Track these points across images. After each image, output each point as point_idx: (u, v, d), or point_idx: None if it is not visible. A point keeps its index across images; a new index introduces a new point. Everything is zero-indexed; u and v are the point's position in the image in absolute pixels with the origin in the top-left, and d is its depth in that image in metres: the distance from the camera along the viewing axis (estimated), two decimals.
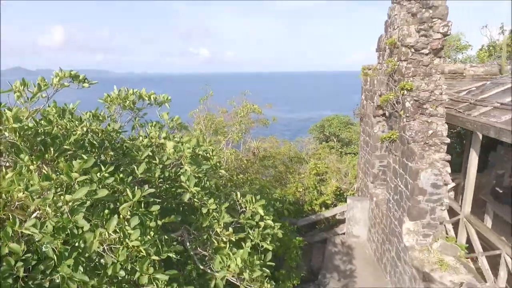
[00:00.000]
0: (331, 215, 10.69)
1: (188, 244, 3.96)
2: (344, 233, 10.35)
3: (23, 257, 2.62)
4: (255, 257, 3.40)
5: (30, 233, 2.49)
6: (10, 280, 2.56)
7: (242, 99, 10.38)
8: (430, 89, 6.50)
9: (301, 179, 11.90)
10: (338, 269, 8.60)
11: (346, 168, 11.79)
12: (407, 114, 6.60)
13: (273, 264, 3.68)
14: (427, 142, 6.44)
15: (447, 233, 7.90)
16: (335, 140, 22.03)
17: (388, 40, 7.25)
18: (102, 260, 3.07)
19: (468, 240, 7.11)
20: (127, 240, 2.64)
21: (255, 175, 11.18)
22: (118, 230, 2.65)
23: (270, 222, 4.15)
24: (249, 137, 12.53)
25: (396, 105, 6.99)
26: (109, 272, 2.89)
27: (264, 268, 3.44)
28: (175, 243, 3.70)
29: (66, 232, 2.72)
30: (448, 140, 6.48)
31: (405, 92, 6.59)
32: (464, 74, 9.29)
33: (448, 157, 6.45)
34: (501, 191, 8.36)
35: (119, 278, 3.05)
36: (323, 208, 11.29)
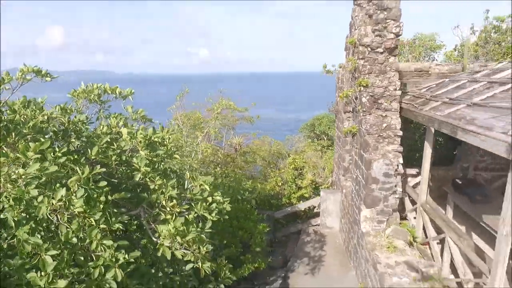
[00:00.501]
0: (306, 207, 11.18)
1: (143, 221, 4.46)
2: (318, 225, 10.84)
3: None
4: (191, 225, 3.89)
5: None
6: None
7: (218, 96, 10.89)
8: (384, 85, 7.00)
9: (281, 173, 12.40)
10: (309, 255, 9.09)
11: (324, 163, 12.29)
12: (364, 109, 7.09)
13: (212, 230, 4.17)
14: (381, 134, 6.93)
15: (408, 221, 8.41)
16: (325, 139, 22.53)
17: (349, 40, 7.75)
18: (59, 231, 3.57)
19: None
20: (71, 207, 3.13)
21: (236, 169, 11.68)
22: (64, 200, 3.14)
23: (218, 197, 4.64)
24: (232, 134, 13.03)
25: (355, 101, 7.48)
26: (63, 238, 3.39)
27: (202, 235, 3.94)
28: (128, 218, 4.21)
29: (23, 203, 3.22)
30: (400, 133, 6.97)
31: (362, 88, 7.08)
32: (430, 72, 9.76)
33: (401, 148, 6.94)
34: (460, 183, 8.84)
35: (73, 244, 3.53)
36: (301, 202, 11.77)
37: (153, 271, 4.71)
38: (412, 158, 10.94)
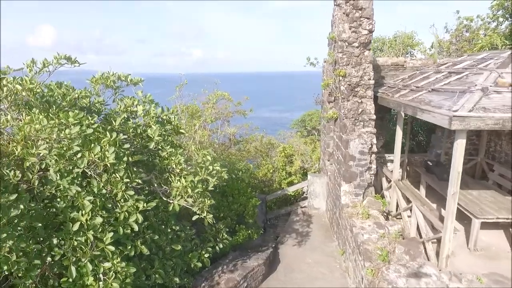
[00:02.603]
0: (295, 190, 12.16)
1: (155, 185, 5.38)
2: (306, 206, 11.83)
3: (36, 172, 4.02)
4: (199, 183, 4.83)
5: (41, 153, 3.88)
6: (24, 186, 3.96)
7: (213, 87, 11.85)
8: (360, 75, 8.01)
9: (272, 161, 13.37)
10: (297, 231, 10.06)
11: (312, 152, 13.31)
12: (343, 96, 8.10)
13: (213, 189, 5.09)
14: (357, 118, 7.95)
15: (384, 198, 9.45)
16: (316, 134, 23.57)
17: (330, 36, 8.76)
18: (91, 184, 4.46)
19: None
20: (106, 159, 4.04)
21: (231, 156, 12.63)
22: (100, 154, 4.05)
23: (217, 167, 5.57)
24: (227, 125, 13.98)
25: (335, 90, 8.49)
26: (95, 189, 4.29)
27: (206, 192, 4.88)
28: (141, 181, 5.13)
29: (65, 159, 4.13)
30: (374, 117, 7.99)
31: (341, 78, 8.08)
32: (405, 66, 10.84)
33: (374, 130, 7.95)
34: (430, 164, 9.92)
35: (102, 194, 4.42)
36: (291, 186, 12.75)
37: (163, 227, 5.62)
38: (392, 148, 12.03)
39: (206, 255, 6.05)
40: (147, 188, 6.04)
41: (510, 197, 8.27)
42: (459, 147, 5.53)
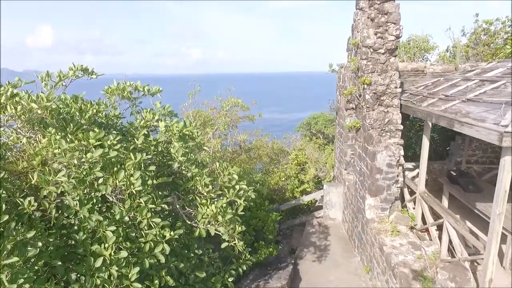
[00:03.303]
0: (309, 200, 11.74)
1: (177, 206, 4.94)
2: (321, 217, 11.41)
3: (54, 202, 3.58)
4: (228, 208, 4.40)
5: (60, 180, 3.44)
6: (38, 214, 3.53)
7: (227, 94, 11.42)
8: (386, 83, 7.59)
9: (283, 169, 12.95)
10: (314, 244, 9.64)
11: (325, 159, 12.88)
12: (367, 105, 7.68)
13: (243, 213, 4.67)
14: (383, 129, 7.53)
15: (407, 210, 9.03)
16: (321, 137, 23.16)
17: (352, 41, 8.34)
18: (112, 210, 4.03)
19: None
20: (131, 186, 3.61)
21: (243, 164, 12.19)
22: (125, 180, 3.61)
23: (244, 186, 5.14)
24: (237, 132, 13.54)
25: (359, 98, 8.07)
26: (117, 217, 3.86)
27: (236, 217, 4.45)
28: (166, 205, 4.69)
29: (85, 185, 3.69)
30: (401, 127, 7.57)
31: (365, 86, 7.67)
32: (425, 72, 10.43)
33: (401, 141, 7.54)
34: (454, 174, 9.50)
35: (125, 222, 4.00)
36: (304, 195, 12.33)
37: (186, 252, 5.19)
38: (406, 155, 11.64)
39: (230, 279, 5.63)
40: (167, 209, 5.62)
41: None
42: (507, 165, 5.10)
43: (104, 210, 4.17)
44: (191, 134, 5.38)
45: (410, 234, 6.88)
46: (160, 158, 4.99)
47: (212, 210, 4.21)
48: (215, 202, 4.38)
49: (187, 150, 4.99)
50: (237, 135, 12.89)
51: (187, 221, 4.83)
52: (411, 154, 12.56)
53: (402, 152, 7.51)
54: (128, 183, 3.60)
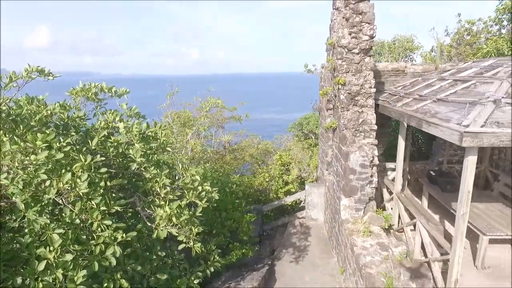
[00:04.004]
0: (293, 201, 11.71)
1: (139, 208, 4.90)
2: (304, 217, 11.38)
3: None
4: (185, 209, 4.36)
5: (2, 183, 3.39)
6: None
7: (207, 95, 11.38)
8: (360, 83, 7.57)
9: (268, 169, 12.91)
10: (294, 245, 9.61)
11: (309, 160, 12.85)
12: (342, 106, 7.65)
13: (202, 218, 4.63)
14: (357, 129, 7.51)
15: (386, 210, 9.02)
16: (313, 137, 23.14)
17: (328, 41, 8.31)
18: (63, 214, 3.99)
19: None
20: (77, 189, 3.56)
21: (225, 165, 12.15)
22: (71, 182, 3.57)
23: (208, 187, 5.10)
24: (221, 132, 13.50)
25: (334, 98, 8.04)
26: (67, 219, 3.81)
27: (194, 218, 4.41)
28: (125, 204, 4.64)
29: (32, 187, 3.64)
30: (375, 127, 7.55)
31: (340, 86, 7.64)
32: (406, 72, 10.43)
33: (376, 141, 7.52)
34: (433, 174, 9.50)
35: (76, 225, 3.95)
36: (288, 196, 12.30)
37: (147, 254, 5.13)
38: (392, 154, 11.62)
39: (196, 281, 5.57)
40: (131, 210, 5.57)
41: None
42: (470, 165, 5.09)
43: (57, 212, 4.12)
44: (155, 135, 5.35)
45: (382, 234, 6.86)
46: (121, 159, 4.95)
47: (166, 211, 4.17)
48: (173, 203, 4.34)
49: (148, 151, 4.95)
50: (221, 136, 12.85)
51: (148, 222, 4.79)
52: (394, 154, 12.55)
53: (376, 153, 7.49)
54: (74, 185, 3.55)
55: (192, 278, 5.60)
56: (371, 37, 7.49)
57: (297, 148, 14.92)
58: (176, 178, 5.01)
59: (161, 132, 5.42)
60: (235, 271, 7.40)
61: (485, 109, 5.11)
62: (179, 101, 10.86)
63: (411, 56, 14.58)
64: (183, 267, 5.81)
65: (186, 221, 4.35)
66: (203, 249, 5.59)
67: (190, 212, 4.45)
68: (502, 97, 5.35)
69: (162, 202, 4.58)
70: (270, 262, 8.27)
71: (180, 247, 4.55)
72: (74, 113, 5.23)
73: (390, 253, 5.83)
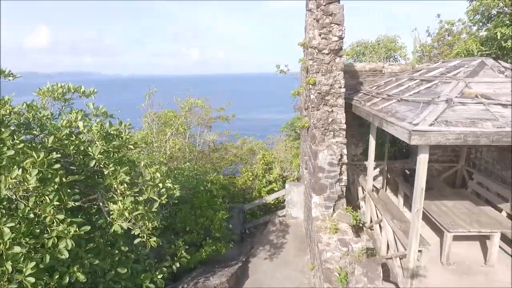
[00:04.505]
0: (275, 199, 11.87)
1: (100, 203, 5.07)
2: (284, 215, 11.53)
3: None
4: (141, 205, 4.53)
5: None
6: None
7: (186, 95, 11.55)
8: (330, 83, 7.72)
9: (252, 169, 13.08)
10: (271, 242, 9.77)
11: (291, 159, 13.02)
12: (313, 105, 7.81)
13: (156, 210, 4.79)
14: (327, 128, 7.66)
15: (360, 208, 9.18)
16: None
17: (301, 42, 8.48)
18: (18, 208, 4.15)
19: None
20: (25, 184, 3.73)
21: (209, 165, 12.32)
22: (20, 178, 3.74)
23: (169, 184, 5.27)
24: (206, 132, 13.68)
25: (306, 98, 8.20)
26: (20, 213, 3.98)
27: (149, 214, 4.57)
28: (79, 198, 4.81)
29: None
30: (345, 127, 7.70)
31: (310, 86, 7.80)
32: (383, 72, 10.58)
33: (345, 140, 7.67)
34: (408, 173, 9.65)
35: (30, 219, 4.11)
36: (269, 195, 12.45)
37: (109, 248, 5.30)
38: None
39: (160, 276, 5.73)
40: (95, 206, 5.73)
41: (485, 207, 8.02)
42: (422, 162, 5.25)
43: (13, 207, 4.29)
44: (119, 133, 5.52)
45: (349, 231, 7.02)
46: (82, 157, 5.11)
47: (119, 207, 4.33)
48: (126, 198, 4.50)
49: (110, 149, 5.12)
50: (206, 136, 13.02)
51: (107, 217, 4.96)
52: (378, 153, 12.69)
53: (345, 151, 7.64)
54: (22, 180, 3.72)
55: (157, 273, 5.77)
56: (340, 38, 7.65)
57: (279, 148, 15.08)
58: (142, 175, 5.18)
59: (125, 130, 5.59)
60: (207, 268, 7.57)
61: (436, 108, 5.26)
62: (161, 99, 11.05)
63: (394, 57, 14.73)
64: (148, 263, 5.98)
65: (140, 216, 4.52)
66: (159, 242, 5.76)
67: (146, 208, 4.61)
68: (456, 97, 5.51)
69: (120, 198, 4.75)
70: (244, 259, 8.42)
71: (136, 241, 4.71)
72: (40, 112, 5.40)
73: (349, 249, 5.99)
